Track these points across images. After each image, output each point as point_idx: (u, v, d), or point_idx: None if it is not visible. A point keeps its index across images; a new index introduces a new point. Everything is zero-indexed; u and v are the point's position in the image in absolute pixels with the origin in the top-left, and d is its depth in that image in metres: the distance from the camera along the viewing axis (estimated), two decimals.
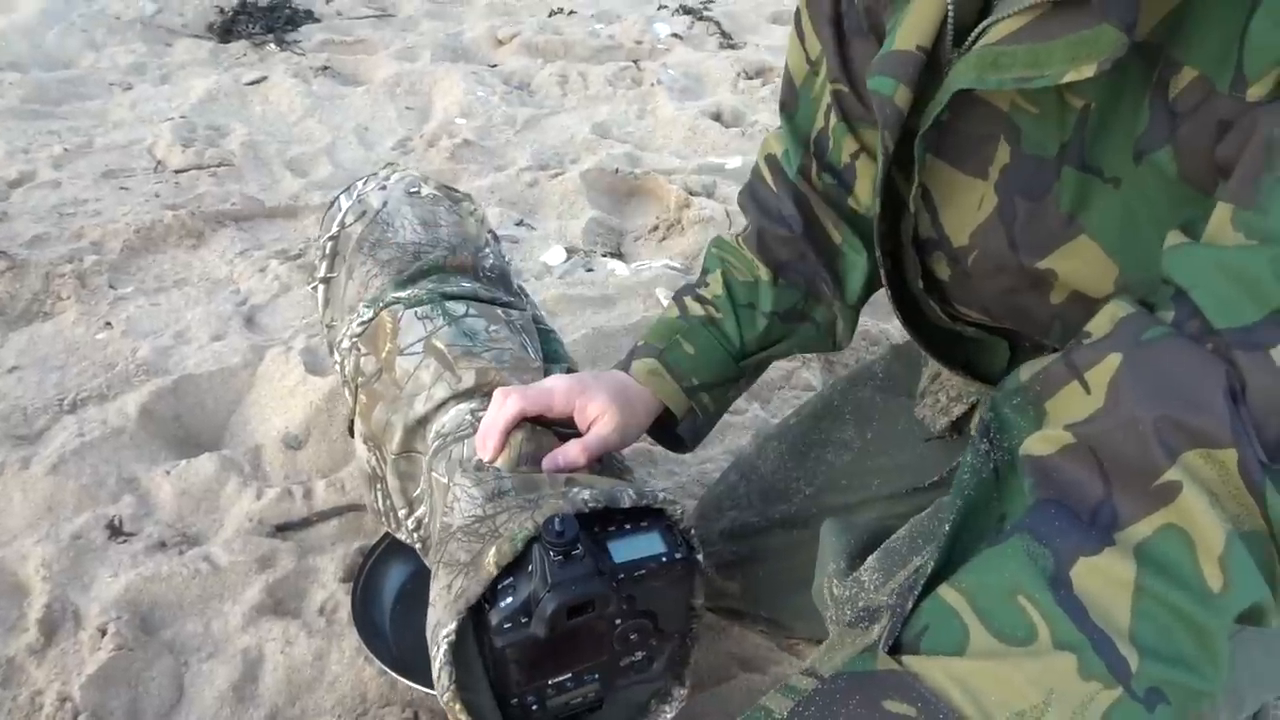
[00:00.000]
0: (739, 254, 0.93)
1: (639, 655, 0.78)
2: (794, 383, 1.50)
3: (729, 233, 0.98)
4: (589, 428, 0.83)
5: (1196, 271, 0.52)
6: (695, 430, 0.93)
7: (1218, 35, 0.52)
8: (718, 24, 2.95)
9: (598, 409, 0.82)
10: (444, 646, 0.69)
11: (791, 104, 0.88)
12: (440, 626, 0.70)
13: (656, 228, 1.90)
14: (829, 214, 0.88)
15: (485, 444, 0.80)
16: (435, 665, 0.70)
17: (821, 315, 0.93)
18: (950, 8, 0.64)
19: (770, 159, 0.91)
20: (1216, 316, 0.50)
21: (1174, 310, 0.52)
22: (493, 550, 0.69)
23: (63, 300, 1.56)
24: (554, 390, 0.82)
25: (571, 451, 0.80)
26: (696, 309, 0.92)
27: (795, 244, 0.89)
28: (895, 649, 0.54)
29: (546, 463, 0.80)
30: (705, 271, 0.95)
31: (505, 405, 0.80)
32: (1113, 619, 0.49)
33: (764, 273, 0.91)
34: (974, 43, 0.64)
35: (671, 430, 0.92)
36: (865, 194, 0.85)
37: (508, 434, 0.80)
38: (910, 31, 0.66)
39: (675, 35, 2.87)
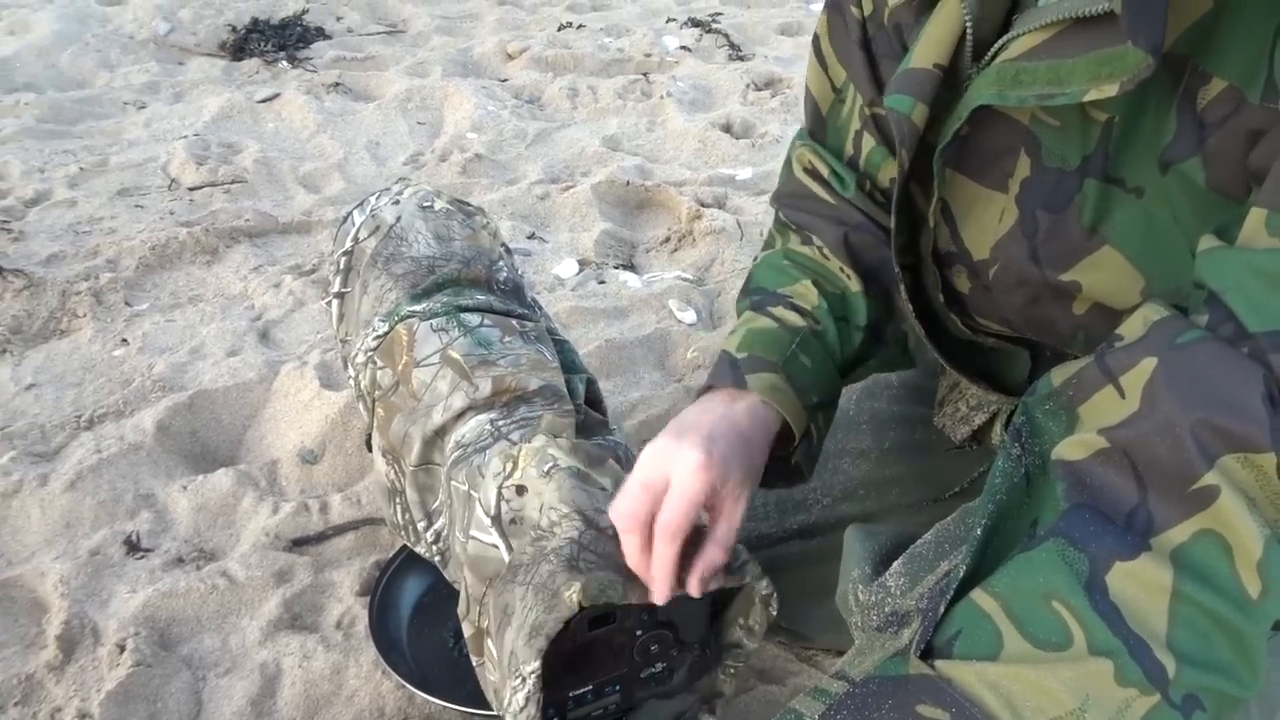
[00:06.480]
0: (822, 265, 0.84)
1: (659, 667, 0.78)
2: None
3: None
4: (717, 511, 0.70)
5: (1231, 275, 0.51)
6: (811, 455, 0.81)
7: (1247, 46, 0.52)
8: (726, 36, 2.96)
9: (731, 490, 0.69)
10: (531, 681, 0.68)
11: (820, 132, 0.85)
12: (524, 663, 0.68)
13: (668, 239, 1.90)
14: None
15: (660, 588, 0.67)
16: (520, 696, 0.69)
17: (892, 332, 0.86)
18: (969, 24, 0.64)
19: (813, 173, 0.85)
20: (1252, 320, 0.50)
21: (1208, 314, 0.52)
22: (578, 586, 0.68)
23: (79, 318, 1.57)
24: (691, 498, 0.66)
25: (715, 558, 0.70)
26: (795, 319, 0.80)
27: (880, 249, 0.81)
28: (927, 654, 0.54)
29: (696, 577, 0.69)
30: (777, 284, 0.84)
31: (665, 542, 0.66)
32: (1150, 625, 0.49)
33: (854, 282, 0.82)
34: (994, 58, 0.63)
35: (779, 462, 0.80)
36: None
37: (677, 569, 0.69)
38: (928, 48, 0.66)
39: (684, 48, 2.88)
